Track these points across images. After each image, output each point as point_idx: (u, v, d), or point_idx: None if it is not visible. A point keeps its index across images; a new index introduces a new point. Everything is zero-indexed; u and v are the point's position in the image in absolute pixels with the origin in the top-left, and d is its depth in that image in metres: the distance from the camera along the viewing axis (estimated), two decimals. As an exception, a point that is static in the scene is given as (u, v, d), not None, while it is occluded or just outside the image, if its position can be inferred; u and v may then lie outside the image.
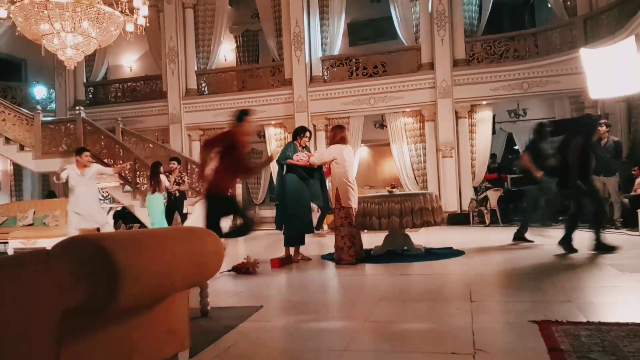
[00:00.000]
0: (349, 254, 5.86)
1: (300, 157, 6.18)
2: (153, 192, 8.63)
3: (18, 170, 15.41)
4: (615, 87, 9.43)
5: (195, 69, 14.44)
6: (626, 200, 8.58)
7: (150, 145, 12.90)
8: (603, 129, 8.76)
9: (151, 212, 8.66)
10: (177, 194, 9.39)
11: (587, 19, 11.23)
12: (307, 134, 6.49)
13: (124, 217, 11.86)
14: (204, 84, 14.57)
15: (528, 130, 14.51)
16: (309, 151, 6.49)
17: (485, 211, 10.89)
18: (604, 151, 8.70)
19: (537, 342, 2.57)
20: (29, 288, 1.74)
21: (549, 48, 11.85)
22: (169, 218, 9.37)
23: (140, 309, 2.09)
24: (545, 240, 6.84)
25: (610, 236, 7.59)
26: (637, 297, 3.67)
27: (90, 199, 7.62)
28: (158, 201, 8.66)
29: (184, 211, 9.48)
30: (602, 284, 4.21)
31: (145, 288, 1.93)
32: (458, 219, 11.42)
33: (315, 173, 6.35)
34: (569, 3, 11.83)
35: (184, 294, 2.42)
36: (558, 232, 6.37)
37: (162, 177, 8.87)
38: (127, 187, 11.53)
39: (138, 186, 11.06)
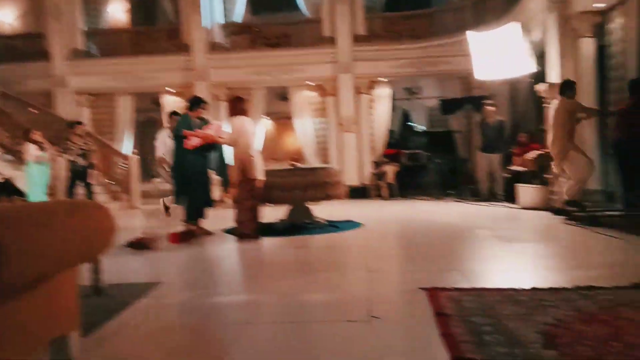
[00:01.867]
0: (250, 228, 5.83)
1: (209, 136, 5.99)
2: (24, 162, 7.96)
3: None
4: (498, 70, 10.14)
5: (84, 28, 13.29)
6: (507, 176, 9.36)
7: (34, 111, 11.82)
8: (489, 108, 9.44)
9: (27, 184, 7.99)
10: (83, 162, 8.56)
11: (477, 3, 11.90)
12: (204, 106, 6.28)
13: (6, 188, 10.82)
14: (93, 46, 13.49)
15: (422, 108, 15.30)
16: (206, 123, 6.28)
17: (384, 185, 11.36)
18: (489, 129, 9.40)
19: (425, 308, 2.75)
20: None
21: (442, 29, 12.43)
22: (71, 189, 8.62)
23: (25, 288, 1.95)
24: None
25: (493, 208, 8.30)
26: (515, 265, 4.05)
27: None
28: (31, 172, 7.99)
29: (90, 181, 8.73)
30: (484, 253, 4.59)
31: (30, 266, 1.79)
32: (358, 193, 11.80)
33: (216, 145, 6.20)
34: (461, -14, 12.47)
35: (73, 272, 2.28)
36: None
37: (28, 146, 8.14)
38: (8, 156, 10.52)
39: (19, 155, 10.13)
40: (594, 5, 7.37)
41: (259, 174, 5.96)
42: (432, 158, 12.30)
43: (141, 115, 14.95)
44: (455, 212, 8.09)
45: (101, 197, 10.83)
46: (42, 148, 8.45)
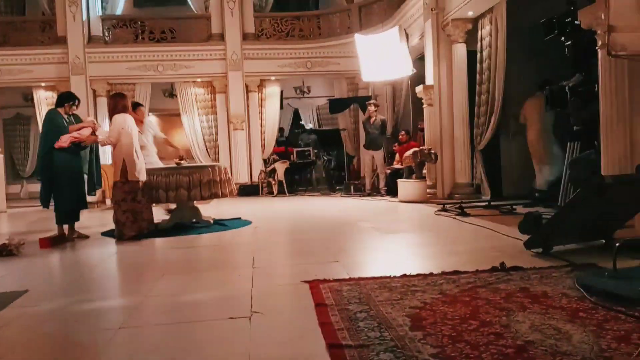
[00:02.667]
0: (132, 229, 5.59)
1: (83, 131, 5.64)
2: None
3: None
4: (382, 72, 10.67)
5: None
6: (389, 171, 9.87)
7: None
8: (372, 108, 9.89)
9: None
10: None
11: (362, 7, 12.42)
12: (77, 103, 5.90)
13: None
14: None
15: (311, 107, 15.63)
16: (78, 120, 5.91)
17: (273, 182, 11.43)
18: (372, 128, 9.84)
19: (307, 300, 2.84)
20: None
21: (330, 31, 12.80)
22: None
23: None
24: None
25: (375, 202, 8.72)
26: (390, 254, 4.30)
27: None
28: None
29: None
30: (365, 244, 4.82)
31: None
32: (248, 190, 11.77)
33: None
34: (347, -11, 12.90)
35: None
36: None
37: None
38: None
39: None
40: (467, 13, 8.01)
41: (141, 174, 5.72)
42: (320, 155, 12.61)
43: (9, 112, 13.70)
44: (342, 207, 8.38)
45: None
46: None
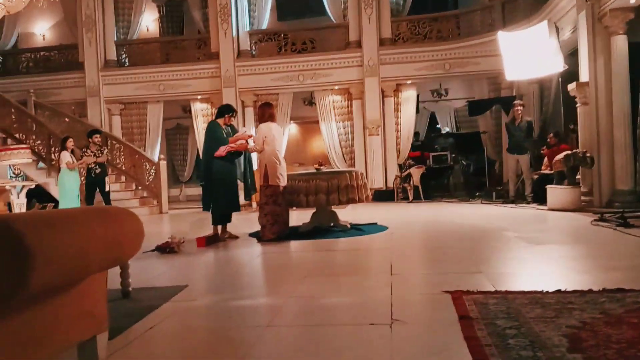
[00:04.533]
0: (272, 231, 5.92)
1: (240, 144, 6.12)
2: (58, 170, 8.19)
3: None
4: (528, 70, 9.99)
5: (115, 39, 13.69)
6: (536, 177, 9.19)
7: (67, 120, 12.21)
8: (519, 109, 9.30)
9: (59, 191, 8.24)
10: (98, 171, 8.89)
11: (506, 3, 11.75)
12: (234, 114, 6.42)
13: (38, 195, 11.19)
14: (124, 55, 13.88)
15: (449, 109, 15.18)
16: (234, 130, 6.40)
17: (409, 188, 11.29)
18: (517, 130, 9.26)
19: (449, 311, 2.73)
20: None
21: (470, 30, 12.32)
22: (90, 196, 8.95)
23: (55, 291, 2.01)
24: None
25: (520, 210, 8.17)
26: (541, 268, 3.97)
27: None
28: (63, 179, 8.23)
29: (106, 189, 9.05)
30: (511, 255, 4.52)
31: (59, 271, 1.85)
32: (383, 196, 11.77)
33: (243, 151, 6.31)
34: (489, -14, 12.32)
35: (102, 276, 2.35)
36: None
37: (63, 154, 8.39)
38: (41, 164, 10.88)
39: (53, 163, 10.47)
40: (629, 0, 7.20)
41: (282, 180, 6.03)
42: (458, 160, 12.16)
43: (170, 123, 15.26)
44: (482, 214, 7.98)
45: (130, 202, 11.09)
46: (75, 156, 8.71)
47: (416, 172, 11.15)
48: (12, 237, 1.65)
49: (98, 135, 9.13)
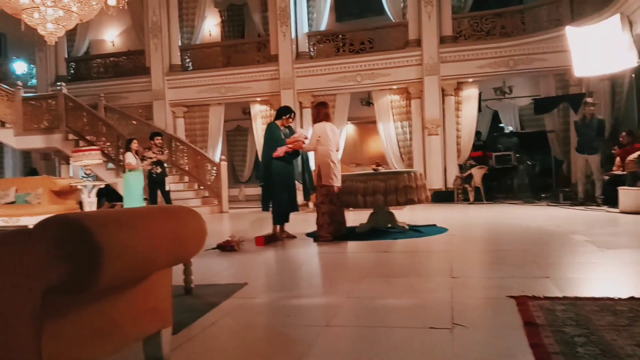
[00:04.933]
0: (328, 231, 5.93)
1: (295, 142, 6.18)
2: (124, 170, 8.54)
3: (-1, 147, 15.19)
4: (599, 65, 9.49)
5: (179, 44, 14.20)
6: (607, 178, 8.71)
7: (134, 122, 12.78)
8: (588, 107, 8.85)
9: (124, 191, 8.60)
10: (159, 171, 9.23)
11: (573, -4, 11.21)
12: (293, 116, 6.49)
13: (107, 194, 11.78)
14: (187, 60, 14.36)
15: (513, 108, 14.66)
16: (292, 132, 6.46)
17: (470, 189, 11.00)
18: (587, 129, 8.81)
19: (513, 317, 2.63)
20: (8, 267, 1.74)
21: (535, 25, 11.84)
22: (153, 196, 9.30)
23: (123, 287, 2.10)
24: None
25: (590, 213, 7.77)
26: (612, 273, 3.76)
27: None
28: (128, 180, 8.58)
29: (166, 188, 9.38)
30: (580, 260, 4.30)
31: (127, 267, 1.93)
32: (442, 197, 11.53)
33: (301, 152, 6.37)
34: (556, -20, 11.79)
35: (167, 272, 2.43)
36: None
37: (127, 154, 8.73)
38: (110, 165, 11.44)
39: (120, 164, 10.98)
40: None
41: (336, 180, 6.02)
42: (522, 160, 11.70)
43: (230, 124, 15.64)
44: (549, 217, 7.64)
45: (193, 202, 11.45)
46: (140, 157, 9.07)
47: (478, 173, 10.85)
48: (83, 235, 1.73)
49: (159, 138, 9.49)
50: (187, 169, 12.45)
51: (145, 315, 2.26)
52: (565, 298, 2.94)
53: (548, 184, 11.56)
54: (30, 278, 1.71)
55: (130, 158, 8.70)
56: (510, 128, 14.32)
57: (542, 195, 10.77)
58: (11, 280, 1.73)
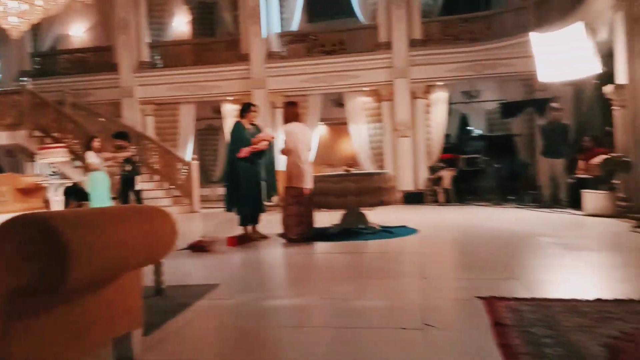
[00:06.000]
0: (295, 232, 5.92)
1: (261, 142, 6.12)
2: (87, 170, 8.34)
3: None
4: (563, 72, 9.76)
5: (148, 41, 13.94)
6: (571, 181, 8.96)
7: (102, 120, 12.50)
8: (553, 112, 9.09)
9: (90, 190, 8.40)
10: (130, 169, 9.04)
11: (539, 3, 11.50)
12: (254, 108, 6.39)
13: (76, 193, 11.47)
14: (157, 57, 14.11)
15: (481, 111, 14.95)
16: (258, 130, 6.38)
17: (440, 190, 11.16)
18: (552, 133, 9.05)
19: (482, 318, 2.68)
20: (-27, 268, 1.68)
21: (502, 31, 12.09)
22: (124, 195, 9.11)
23: (92, 287, 2.06)
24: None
25: (555, 215, 7.99)
26: (579, 275, 3.87)
27: None
28: (93, 179, 8.38)
29: (137, 188, 9.20)
30: (547, 262, 4.42)
31: (96, 268, 1.89)
32: (413, 198, 11.66)
33: (266, 152, 6.30)
34: (522, -14, 12.07)
35: (138, 273, 2.39)
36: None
37: (88, 154, 8.50)
38: (78, 162, 11.16)
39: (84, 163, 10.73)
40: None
41: (308, 182, 6.01)
42: (490, 162, 11.95)
43: (201, 123, 15.46)
44: (516, 219, 7.82)
45: (163, 201, 11.28)
46: (103, 156, 8.82)
47: (447, 175, 11.02)
48: (51, 235, 1.69)
49: (121, 140, 9.20)
50: (157, 167, 12.25)
51: (115, 316, 2.22)
52: (532, 299, 3.01)
53: (515, 186, 11.83)
54: (-4, 279, 1.66)
55: (91, 157, 8.46)
56: (479, 131, 14.59)
57: (510, 197, 11.01)
58: (-25, 281, 1.67)
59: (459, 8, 14.03)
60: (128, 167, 9.00)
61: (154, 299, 3.36)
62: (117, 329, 2.25)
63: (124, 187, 9.05)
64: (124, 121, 13.05)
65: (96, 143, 8.60)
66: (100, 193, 8.43)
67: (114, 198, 9.00)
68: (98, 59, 14.54)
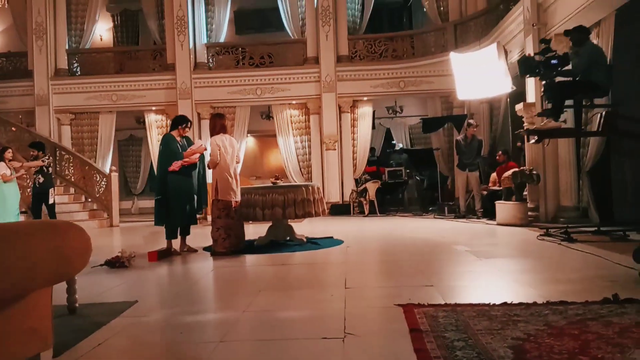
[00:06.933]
0: (223, 246, 5.86)
1: (192, 156, 6.03)
2: None
3: None
4: (479, 90, 10.36)
5: (67, 47, 13.32)
6: (485, 193, 9.49)
7: (13, 129, 11.74)
8: (471, 128, 9.62)
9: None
10: (42, 180, 8.57)
11: (458, 25, 12.19)
12: (189, 124, 6.33)
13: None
14: (76, 64, 13.51)
15: (404, 126, 15.51)
16: (189, 142, 6.31)
17: (365, 202, 11.43)
18: (468, 148, 9.56)
19: (400, 324, 2.78)
20: None
21: (424, 50, 12.69)
22: (36, 209, 8.61)
23: (-5, 308, 1.94)
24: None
25: (471, 225, 8.42)
26: (489, 281, 4.10)
27: None
28: (2, 192, 7.87)
29: (50, 201, 8.71)
30: (461, 269, 4.64)
31: (1, 286, 1.79)
32: (340, 210, 11.86)
33: (197, 165, 6.22)
34: (442, 9, 12.73)
35: (46, 291, 2.27)
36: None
37: (0, 165, 8.02)
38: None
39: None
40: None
41: (235, 195, 5.97)
42: (412, 175, 12.42)
43: (124, 133, 14.92)
44: (435, 229, 8.17)
45: (79, 215, 10.73)
46: (14, 167, 8.32)
47: (372, 187, 11.31)
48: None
49: (35, 150, 8.74)
50: (73, 180, 11.65)
51: (22, 336, 2.10)
52: (446, 305, 3.16)
53: (435, 198, 12.37)
54: None
55: (3, 169, 7.96)
56: (401, 145, 15.13)
57: (430, 208, 11.48)
58: None
59: (383, 27, 14.59)
60: (40, 179, 8.53)
61: (67, 317, 3.19)
62: (25, 351, 2.13)
63: (36, 201, 8.56)
64: (38, 131, 12.34)
65: (8, 154, 8.11)
66: (11, 206, 7.91)
67: (23, 212, 8.47)
68: (11, 65, 13.73)
